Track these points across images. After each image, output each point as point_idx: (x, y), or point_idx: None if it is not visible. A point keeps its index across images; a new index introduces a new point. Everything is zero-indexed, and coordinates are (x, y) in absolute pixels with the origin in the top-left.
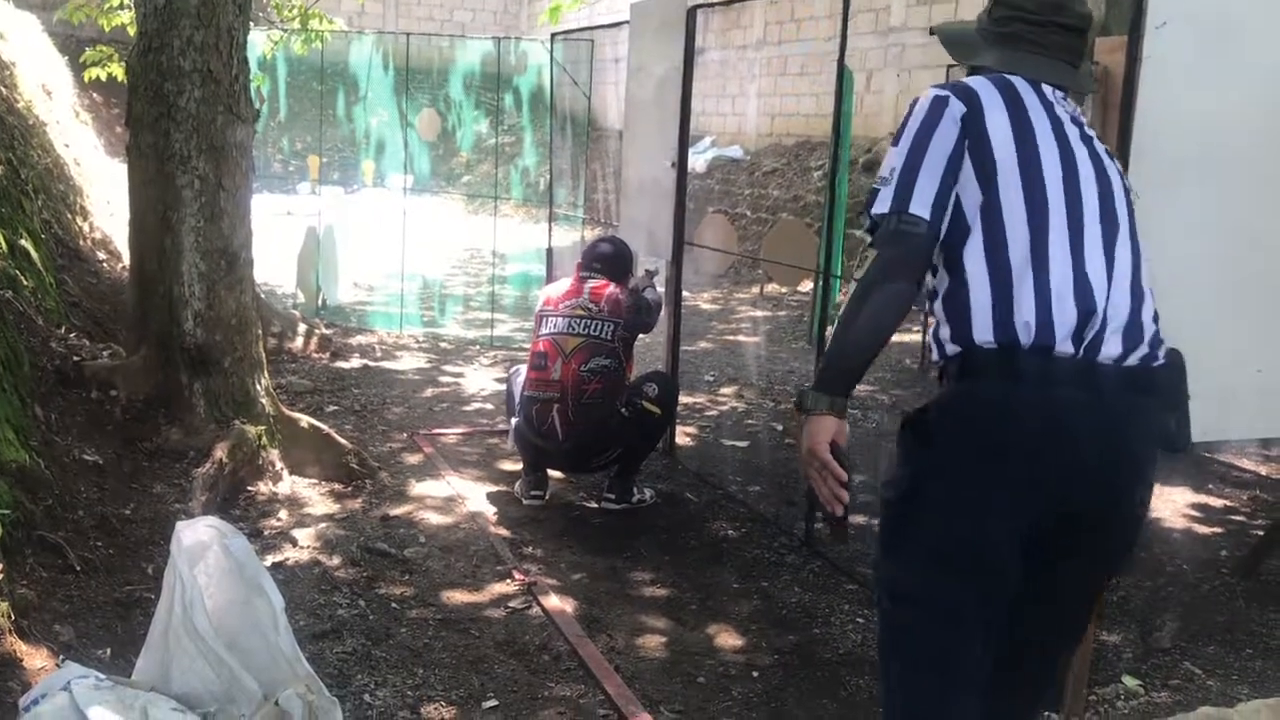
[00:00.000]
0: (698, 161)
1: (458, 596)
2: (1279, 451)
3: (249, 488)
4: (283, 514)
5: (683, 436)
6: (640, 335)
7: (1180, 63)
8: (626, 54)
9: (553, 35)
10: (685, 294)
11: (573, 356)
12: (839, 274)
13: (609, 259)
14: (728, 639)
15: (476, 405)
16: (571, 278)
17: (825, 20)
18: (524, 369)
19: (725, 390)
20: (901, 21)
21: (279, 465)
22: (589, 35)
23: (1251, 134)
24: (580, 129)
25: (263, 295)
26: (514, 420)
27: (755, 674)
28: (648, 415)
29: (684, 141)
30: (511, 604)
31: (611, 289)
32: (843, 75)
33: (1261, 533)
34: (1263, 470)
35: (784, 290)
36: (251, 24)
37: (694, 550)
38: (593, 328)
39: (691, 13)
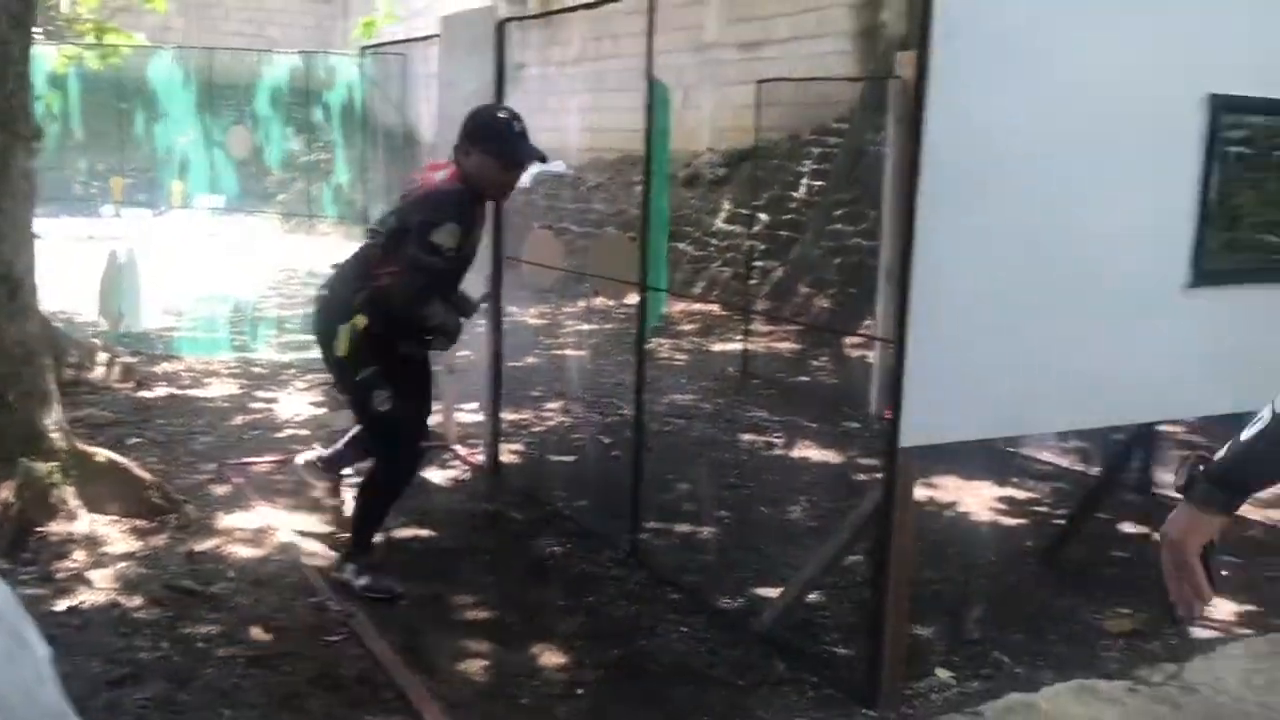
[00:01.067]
0: (523, 177)
1: (268, 632)
2: (1076, 444)
3: (39, 529)
4: (78, 555)
5: (508, 454)
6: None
7: (968, 75)
8: (437, 69)
9: (363, 49)
10: (512, 309)
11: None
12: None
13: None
14: (552, 657)
15: (290, 432)
16: None
17: (642, 37)
18: None
19: (552, 405)
20: (715, 38)
21: (74, 503)
22: (401, 50)
23: (1040, 144)
24: (395, 144)
25: (59, 324)
26: None
27: (580, 691)
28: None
29: None
30: (327, 637)
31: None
32: (654, 89)
33: (1063, 522)
34: (1063, 462)
35: (611, 303)
36: (39, 37)
37: (519, 570)
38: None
39: (502, 27)
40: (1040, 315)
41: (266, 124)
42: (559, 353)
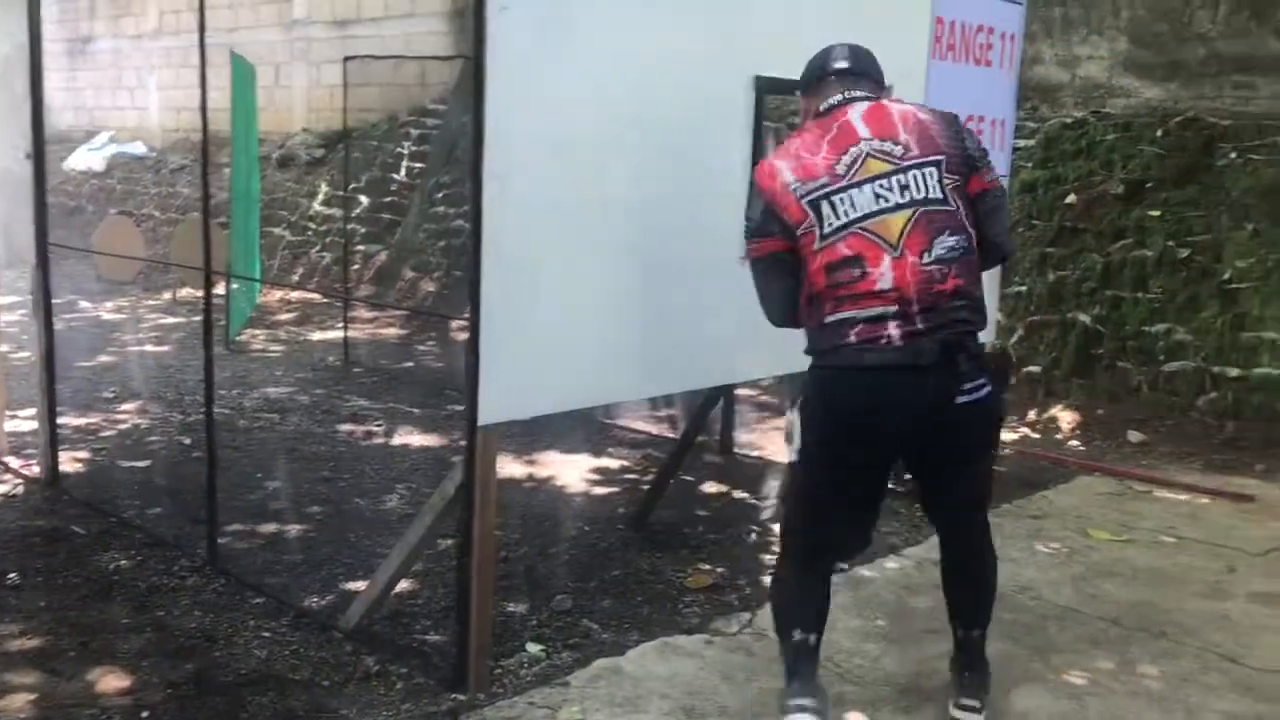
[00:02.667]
0: (94, 159)
1: None
2: (667, 412)
3: None
4: None
5: (70, 463)
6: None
7: (523, 47)
8: None
9: None
10: (84, 304)
11: (905, 245)
12: (258, 277)
13: (865, 56)
14: (113, 681)
15: None
16: (805, 130)
17: (225, 10)
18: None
19: (127, 407)
20: (305, 14)
21: None
22: None
23: (604, 118)
24: None
25: None
26: (796, 408)
27: (144, 714)
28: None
29: (38, 129)
30: None
31: (903, 107)
32: (235, 65)
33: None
34: (654, 430)
35: (199, 294)
36: None
37: (77, 589)
38: (916, 183)
39: None
40: (608, 289)
41: None
42: (138, 349)
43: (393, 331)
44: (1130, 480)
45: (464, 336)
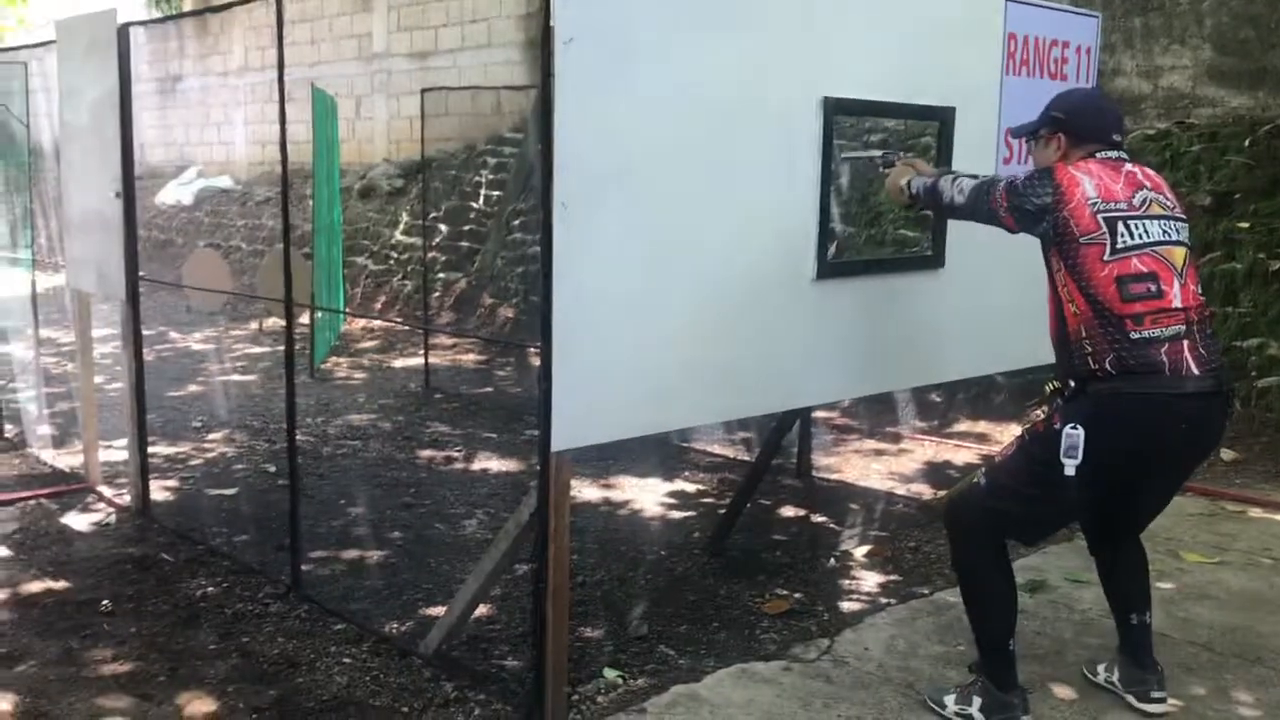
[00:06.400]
0: (184, 194)
1: None
2: (743, 435)
3: None
4: None
5: (160, 492)
6: None
7: (590, 78)
8: (56, 76)
9: None
10: (173, 335)
11: (1187, 275)
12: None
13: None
14: (200, 706)
15: None
16: (1093, 162)
17: (307, 46)
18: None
19: (214, 436)
20: (385, 48)
21: None
22: (22, 58)
23: (669, 146)
24: (18, 161)
25: None
26: (1075, 427)
27: None
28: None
29: (128, 169)
30: None
31: (1155, 174)
32: (316, 99)
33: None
34: (730, 453)
35: (284, 324)
36: None
37: (166, 615)
38: (1184, 234)
39: (124, 31)
40: (679, 312)
41: None
42: (226, 379)
43: (472, 358)
44: (1223, 500)
45: (539, 362)
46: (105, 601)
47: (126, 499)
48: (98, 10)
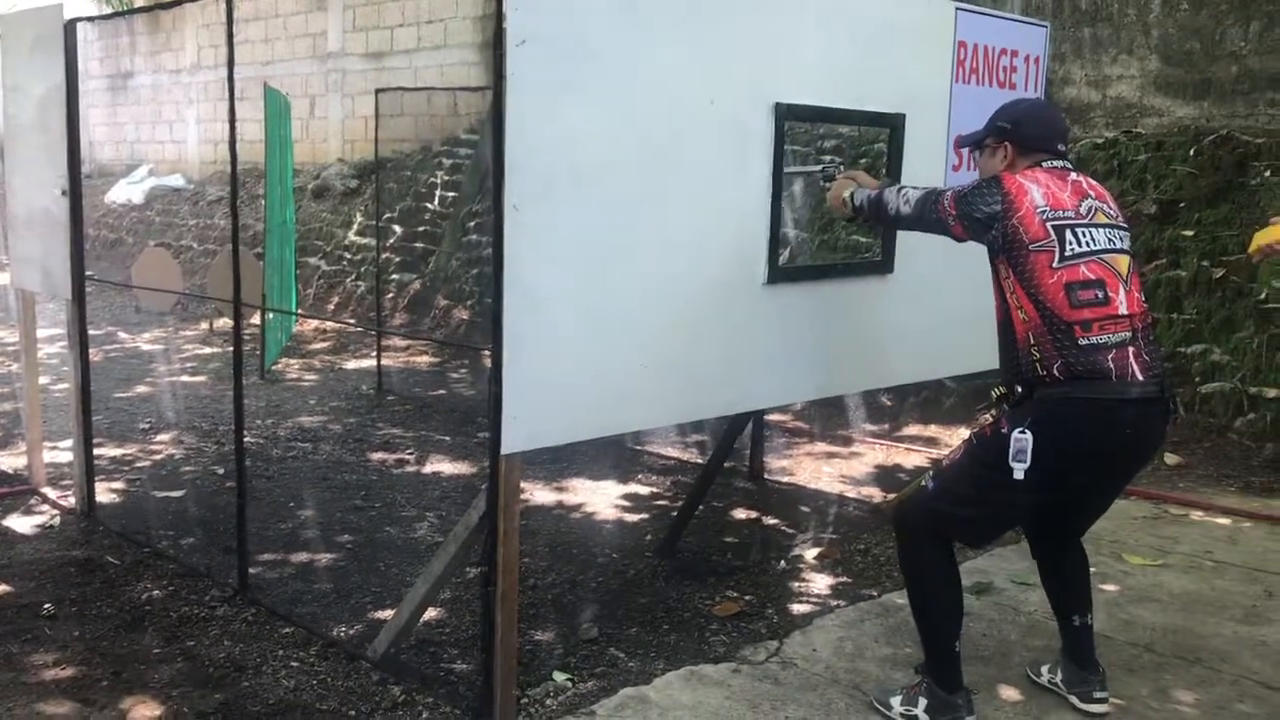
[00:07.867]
0: (134, 192)
1: None
2: (696, 437)
3: None
4: None
5: (106, 494)
6: None
7: (542, 80)
8: (1, 72)
9: None
10: (123, 336)
11: (1131, 282)
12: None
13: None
14: (145, 710)
15: None
16: (1040, 171)
17: (261, 44)
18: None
19: (162, 437)
20: (340, 47)
21: None
22: None
23: (622, 148)
24: None
25: None
26: (1027, 428)
27: None
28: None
29: (75, 166)
30: None
31: (1098, 184)
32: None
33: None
34: (683, 456)
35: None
36: None
37: (111, 619)
38: (1127, 242)
39: (71, 26)
40: (631, 316)
41: None
42: (175, 380)
43: (425, 360)
44: (1166, 504)
45: (490, 365)
46: (48, 605)
47: (71, 501)
48: (43, 5)
